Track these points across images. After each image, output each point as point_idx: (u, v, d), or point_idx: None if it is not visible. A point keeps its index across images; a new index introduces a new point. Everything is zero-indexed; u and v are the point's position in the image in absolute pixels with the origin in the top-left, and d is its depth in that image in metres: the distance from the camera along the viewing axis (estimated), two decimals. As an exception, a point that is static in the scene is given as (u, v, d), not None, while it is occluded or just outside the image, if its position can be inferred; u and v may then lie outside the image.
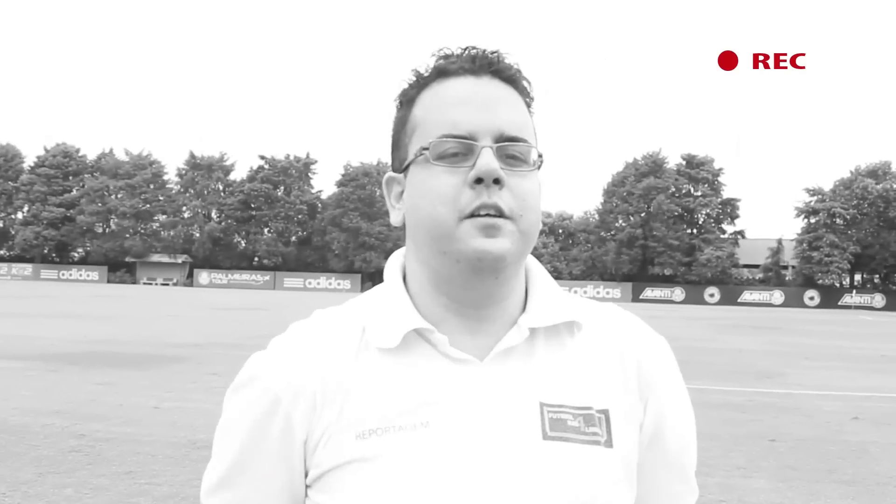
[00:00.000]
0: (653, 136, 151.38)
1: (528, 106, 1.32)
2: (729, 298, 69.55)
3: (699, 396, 13.19)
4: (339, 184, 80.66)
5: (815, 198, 73.18)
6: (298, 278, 75.94)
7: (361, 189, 79.14)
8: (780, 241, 75.25)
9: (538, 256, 77.00)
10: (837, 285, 72.14)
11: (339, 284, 74.92)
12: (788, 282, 74.31)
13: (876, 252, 70.88)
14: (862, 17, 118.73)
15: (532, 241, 1.28)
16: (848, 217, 71.14)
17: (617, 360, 1.34)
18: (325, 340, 1.29)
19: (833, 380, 16.09)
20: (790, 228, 79.28)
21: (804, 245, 71.73)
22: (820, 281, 70.66)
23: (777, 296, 69.73)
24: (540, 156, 1.29)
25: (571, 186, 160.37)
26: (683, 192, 75.77)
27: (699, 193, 75.67)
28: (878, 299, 68.26)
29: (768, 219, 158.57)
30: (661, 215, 73.97)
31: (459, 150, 1.24)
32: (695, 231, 75.74)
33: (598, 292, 70.58)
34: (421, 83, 1.31)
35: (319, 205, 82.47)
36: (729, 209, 76.19)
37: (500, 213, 1.22)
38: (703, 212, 75.79)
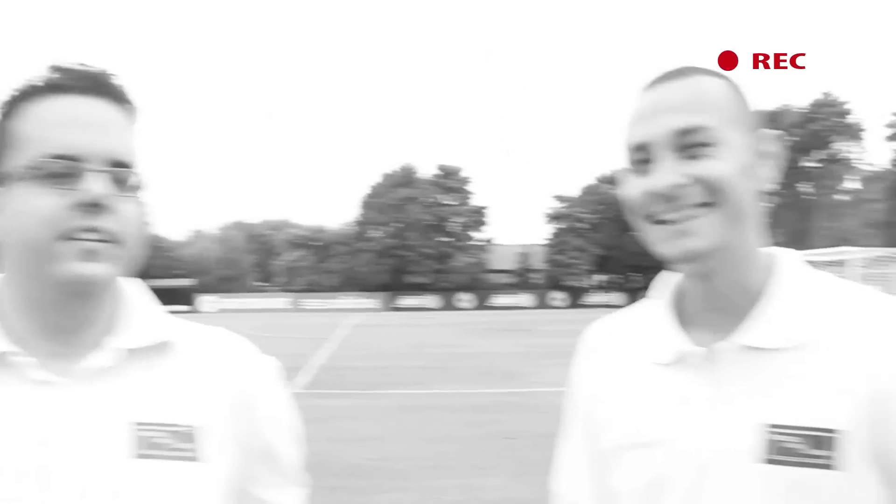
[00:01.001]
0: (409, 147, 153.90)
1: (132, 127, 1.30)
2: (481, 303, 71.65)
3: (445, 401, 13.57)
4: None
5: (563, 204, 76.90)
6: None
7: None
8: (527, 247, 78.39)
9: (294, 269, 76.54)
10: (581, 286, 75.94)
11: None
12: (537, 285, 77.48)
13: (617, 254, 75.16)
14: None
15: (133, 263, 1.27)
16: (592, 221, 75.13)
17: (214, 378, 1.36)
18: None
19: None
20: (539, 234, 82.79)
21: (551, 249, 75.09)
22: (566, 283, 74.12)
23: (526, 299, 72.53)
24: (140, 182, 1.27)
25: (328, 199, 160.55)
26: (436, 201, 77.51)
27: (450, 202, 77.66)
28: (618, 297, 72.39)
29: (521, 225, 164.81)
30: (415, 225, 75.30)
31: (67, 171, 1.19)
32: (447, 239, 77.57)
33: (354, 303, 70.96)
34: (26, 94, 1.26)
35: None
36: (479, 216, 78.57)
37: (104, 238, 1.20)
38: (455, 220, 77.78)
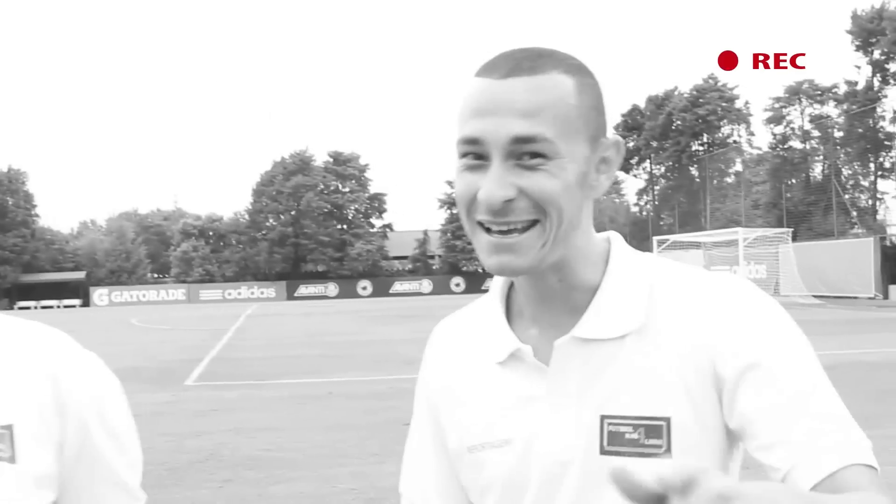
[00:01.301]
0: (300, 133, 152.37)
1: None
2: (381, 290, 71.61)
3: (342, 389, 13.48)
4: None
5: (454, 189, 77.13)
6: (-78, 299, 68.99)
7: (-9, 198, 73.27)
8: (425, 233, 78.54)
9: (188, 260, 75.17)
10: (480, 271, 76.50)
11: (-30, 303, 68.89)
12: (436, 270, 77.74)
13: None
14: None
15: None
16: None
17: (26, 375, 1.29)
18: None
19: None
20: (437, 220, 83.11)
21: (448, 234, 75.36)
22: (464, 268, 74.52)
23: (426, 284, 72.76)
24: None
25: (220, 188, 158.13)
26: (332, 188, 77.01)
27: (347, 189, 77.25)
28: (516, 282, 73.30)
29: (417, 211, 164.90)
30: (311, 213, 74.69)
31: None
32: (345, 227, 77.17)
33: (252, 293, 70.20)
34: None
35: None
36: (377, 203, 78.38)
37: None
38: (352, 207, 77.43)
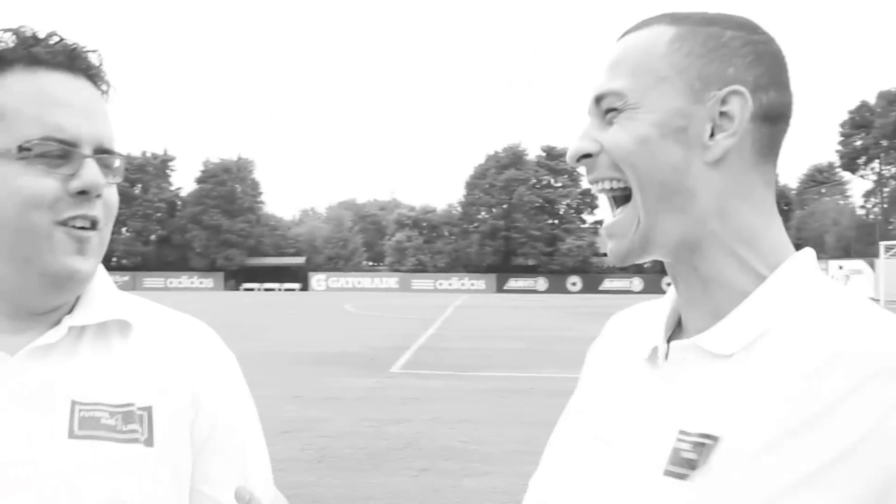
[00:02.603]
0: (514, 128, 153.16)
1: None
2: (591, 286, 70.98)
3: (545, 384, 13.31)
4: (199, 180, 78.86)
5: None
6: (159, 278, 73.84)
7: (222, 185, 77.57)
8: (638, 230, 77.19)
9: (402, 249, 77.06)
10: (693, 270, 74.60)
11: (201, 283, 73.18)
12: (647, 269, 76.32)
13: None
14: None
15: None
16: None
17: (169, 363, 1.30)
18: None
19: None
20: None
21: (659, 232, 73.77)
22: (678, 267, 72.83)
23: (636, 282, 71.55)
24: (120, 168, 1.24)
25: (435, 180, 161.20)
26: (544, 183, 76.95)
27: (559, 184, 77.00)
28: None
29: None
30: (522, 206, 74.92)
31: (61, 154, 1.15)
32: (556, 221, 76.95)
33: (462, 284, 71.04)
34: (3, 62, 1.18)
35: (179, 202, 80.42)
36: (589, 199, 77.73)
37: (91, 226, 1.18)
38: (564, 202, 77.11)
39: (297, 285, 73.57)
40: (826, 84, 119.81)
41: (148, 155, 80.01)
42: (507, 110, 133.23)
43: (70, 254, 1.16)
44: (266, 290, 71.83)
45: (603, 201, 1.11)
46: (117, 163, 1.21)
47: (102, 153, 1.19)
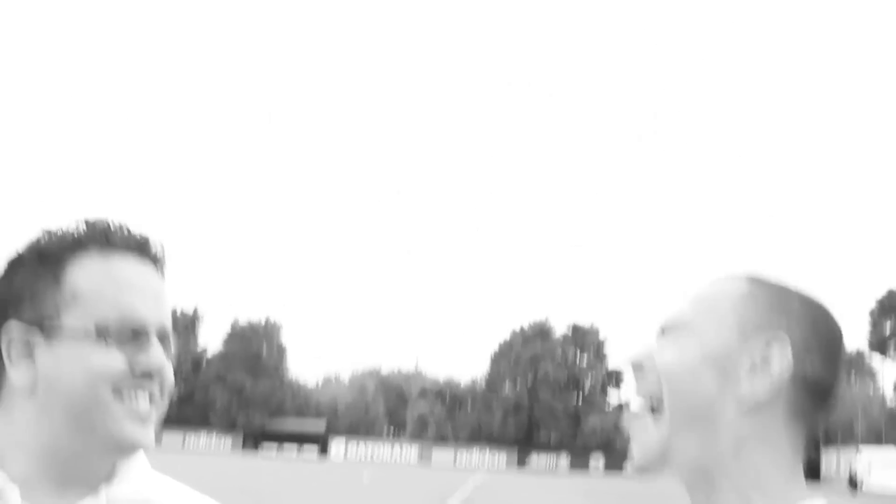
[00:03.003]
0: (539, 301, 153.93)
1: None
2: (614, 465, 69.54)
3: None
4: (226, 341, 79.30)
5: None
6: (177, 435, 73.03)
7: (248, 346, 77.85)
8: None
9: (424, 419, 76.33)
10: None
11: (220, 442, 72.40)
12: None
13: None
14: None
15: None
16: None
17: None
18: None
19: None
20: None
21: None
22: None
23: (661, 465, 70.15)
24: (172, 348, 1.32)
25: (457, 351, 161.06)
26: (569, 360, 76.63)
27: (585, 362, 76.64)
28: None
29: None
30: (547, 381, 74.41)
31: (132, 337, 1.23)
32: (581, 399, 76.23)
33: (484, 457, 69.89)
34: (75, 246, 1.26)
35: (204, 361, 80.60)
36: (614, 378, 77.15)
37: (153, 402, 1.25)
38: (589, 380, 76.56)
39: (315, 448, 72.69)
40: (853, 273, 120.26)
41: (177, 313, 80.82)
42: (530, 283, 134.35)
43: (133, 425, 1.22)
44: (285, 452, 70.98)
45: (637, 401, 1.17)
46: (173, 346, 1.29)
47: (164, 336, 1.27)
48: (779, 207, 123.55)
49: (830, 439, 62.52)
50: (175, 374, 1.26)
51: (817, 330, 1.11)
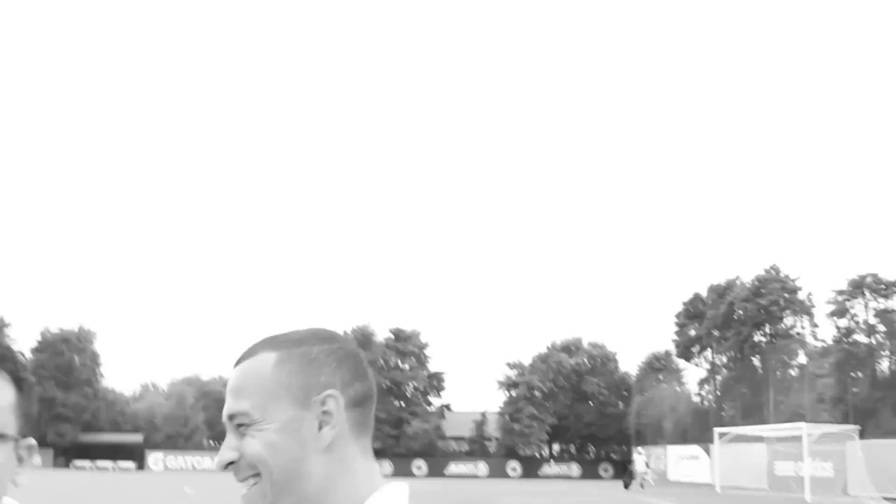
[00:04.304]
0: (362, 308, 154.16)
1: (16, 381, 1.61)
2: (436, 470, 70.53)
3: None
4: (35, 350, 75.78)
5: (516, 371, 76.71)
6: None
7: (59, 356, 74.70)
8: (483, 414, 77.91)
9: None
10: (537, 455, 75.13)
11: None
12: (492, 453, 76.60)
13: (571, 423, 74.84)
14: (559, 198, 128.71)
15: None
16: (545, 390, 74.93)
17: None
18: None
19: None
20: (494, 401, 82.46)
21: (506, 417, 74.60)
22: (521, 452, 73.34)
23: (482, 467, 71.55)
24: (2, 434, 1.51)
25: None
26: (392, 365, 77.18)
27: (407, 367, 77.36)
28: (575, 468, 71.66)
29: (474, 392, 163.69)
30: (370, 387, 74.73)
31: None
32: (403, 404, 76.90)
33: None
34: None
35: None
36: (435, 382, 78.24)
37: None
38: (411, 385, 77.33)
39: (132, 464, 70.57)
40: (664, 276, 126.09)
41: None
42: (352, 290, 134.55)
43: None
44: (99, 468, 68.57)
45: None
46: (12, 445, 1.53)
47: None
48: (590, 212, 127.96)
49: (641, 439, 65.58)
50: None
51: (344, 364, 1.44)
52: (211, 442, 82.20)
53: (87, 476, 54.34)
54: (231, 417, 1.41)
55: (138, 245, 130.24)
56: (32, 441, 1.56)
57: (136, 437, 74.15)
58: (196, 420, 79.05)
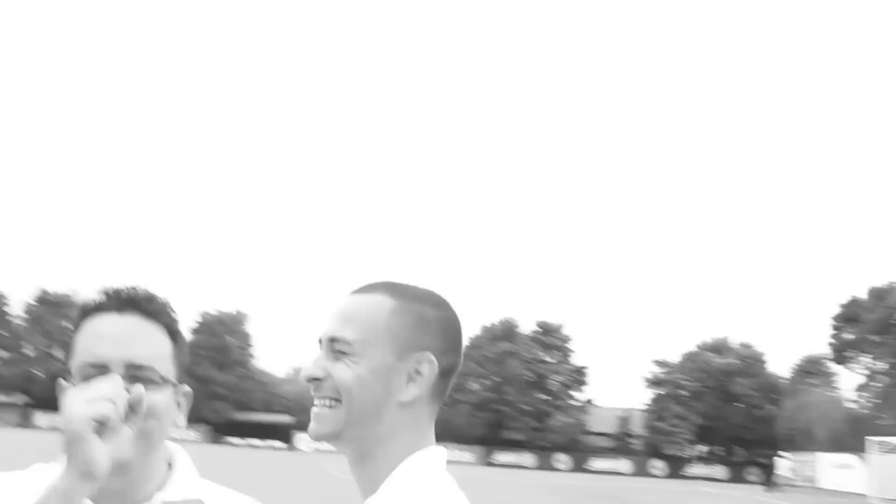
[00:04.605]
0: (508, 300, 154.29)
1: (172, 333, 1.65)
2: (578, 465, 70.03)
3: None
4: (195, 331, 79.02)
5: (663, 369, 75.43)
6: (143, 427, 72.56)
7: (215, 337, 77.68)
8: (628, 410, 76.88)
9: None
10: (682, 456, 73.67)
11: (186, 436, 72.19)
12: (636, 451, 75.54)
13: (718, 424, 73.08)
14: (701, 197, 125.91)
15: (161, 435, 1.60)
16: (692, 389, 73.40)
17: None
18: None
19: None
20: (639, 398, 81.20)
21: (653, 415, 73.45)
22: (665, 451, 72.08)
23: (624, 464, 70.65)
24: (165, 378, 1.60)
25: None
26: (536, 358, 76.96)
27: (551, 360, 77.02)
28: (720, 471, 69.94)
29: (618, 387, 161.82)
30: (514, 380, 74.77)
31: (97, 374, 1.51)
32: (546, 397, 76.63)
33: (450, 455, 69.82)
34: (83, 314, 1.61)
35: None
36: (579, 376, 77.62)
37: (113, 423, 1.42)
38: (555, 378, 76.98)
39: (282, 444, 72.63)
40: (815, 276, 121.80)
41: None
42: (499, 283, 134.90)
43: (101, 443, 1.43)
44: (252, 446, 70.90)
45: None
46: (149, 373, 1.57)
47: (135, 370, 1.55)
48: (744, 209, 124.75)
49: (790, 444, 63.49)
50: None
51: (447, 335, 1.52)
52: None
53: (241, 452, 56.32)
54: (333, 340, 1.49)
55: (299, 234, 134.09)
56: (188, 388, 1.68)
57: (286, 418, 76.29)
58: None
